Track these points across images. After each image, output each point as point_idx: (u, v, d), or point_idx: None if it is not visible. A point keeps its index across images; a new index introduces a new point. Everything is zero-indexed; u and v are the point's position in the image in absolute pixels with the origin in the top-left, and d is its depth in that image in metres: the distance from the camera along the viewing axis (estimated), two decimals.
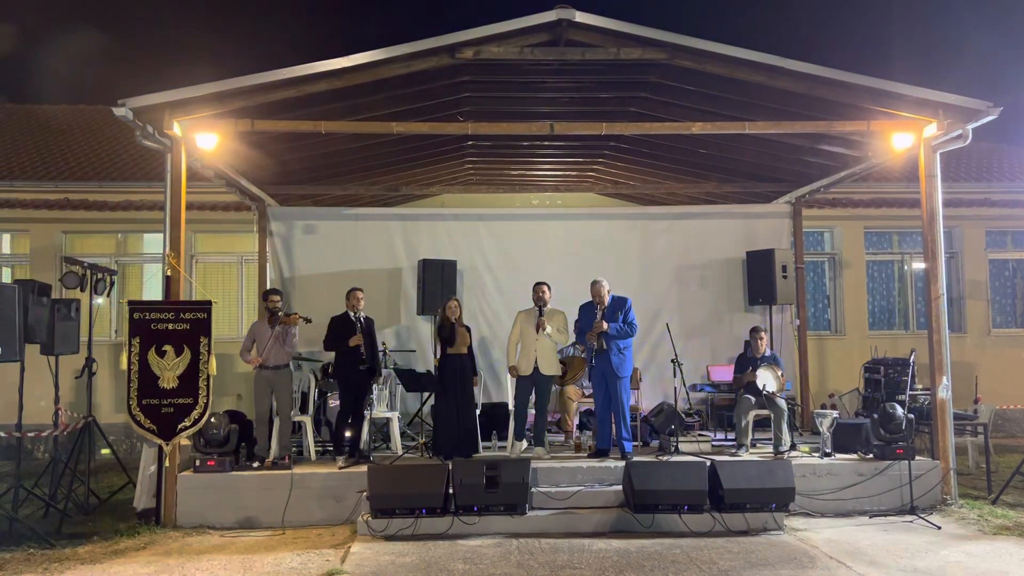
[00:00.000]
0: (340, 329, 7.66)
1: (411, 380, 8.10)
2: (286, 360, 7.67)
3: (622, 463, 7.00)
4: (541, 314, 7.79)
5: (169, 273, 7.11)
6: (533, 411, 7.91)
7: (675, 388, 8.01)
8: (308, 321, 7.78)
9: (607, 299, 7.73)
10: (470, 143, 9.90)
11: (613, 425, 7.64)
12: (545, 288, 7.91)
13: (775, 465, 6.86)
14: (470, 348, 7.97)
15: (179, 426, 6.86)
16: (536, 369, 7.74)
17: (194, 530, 6.68)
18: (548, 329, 7.72)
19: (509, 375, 8.08)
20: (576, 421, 8.57)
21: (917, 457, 7.36)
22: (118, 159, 12.70)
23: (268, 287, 9.63)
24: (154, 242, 11.88)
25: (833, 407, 9.66)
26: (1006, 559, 5.70)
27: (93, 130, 14.28)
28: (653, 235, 10.59)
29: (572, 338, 8.29)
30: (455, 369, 7.77)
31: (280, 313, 7.68)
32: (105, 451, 7.01)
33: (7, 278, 11.66)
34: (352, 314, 7.75)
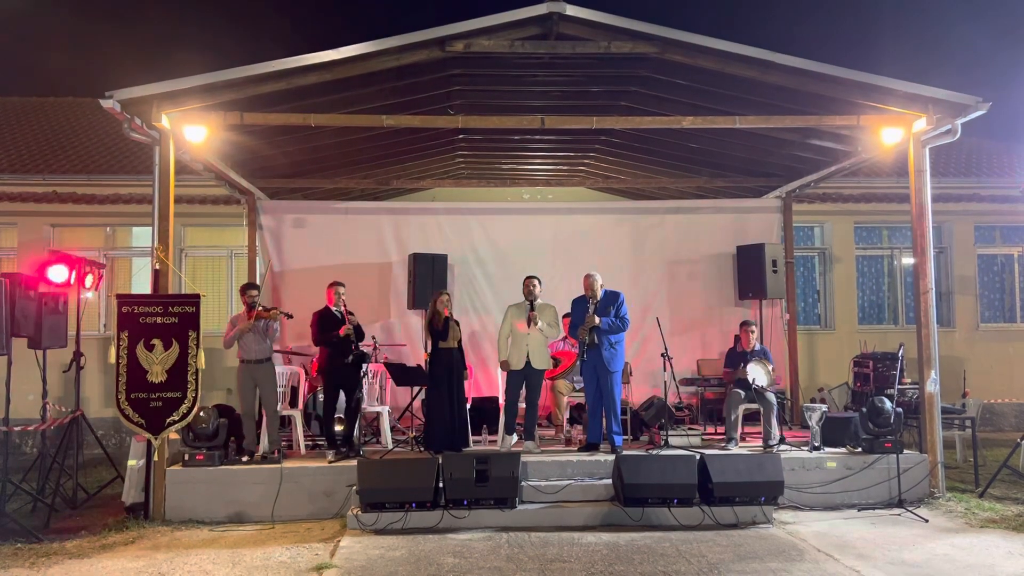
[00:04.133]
0: (325, 323, 7.64)
1: (401, 374, 8.08)
2: (268, 354, 7.63)
3: (612, 457, 7.01)
4: (532, 308, 7.78)
5: (158, 267, 7.08)
6: (523, 405, 7.91)
7: (665, 382, 8.02)
8: (289, 316, 7.75)
9: (599, 293, 7.73)
10: (461, 137, 9.88)
11: (604, 419, 7.65)
12: (535, 282, 7.90)
13: (764, 459, 6.90)
14: (460, 342, 7.96)
15: (168, 420, 6.83)
16: (527, 363, 7.73)
17: (183, 524, 6.66)
18: (539, 323, 7.71)
19: (500, 369, 8.07)
20: (566, 415, 8.57)
21: (905, 451, 7.43)
22: (107, 152, 12.62)
23: (251, 281, 9.56)
24: (143, 236, 11.82)
25: (822, 401, 9.70)
26: (992, 552, 5.74)
27: (81, 123, 14.18)
28: (644, 229, 10.60)
29: (562, 332, 8.29)
30: (446, 363, 7.75)
31: (259, 307, 7.64)
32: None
33: None
34: (335, 308, 7.73)
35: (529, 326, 7.71)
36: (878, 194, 12.32)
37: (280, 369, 8.08)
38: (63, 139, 13.31)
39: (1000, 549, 5.80)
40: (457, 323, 7.98)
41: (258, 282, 9.79)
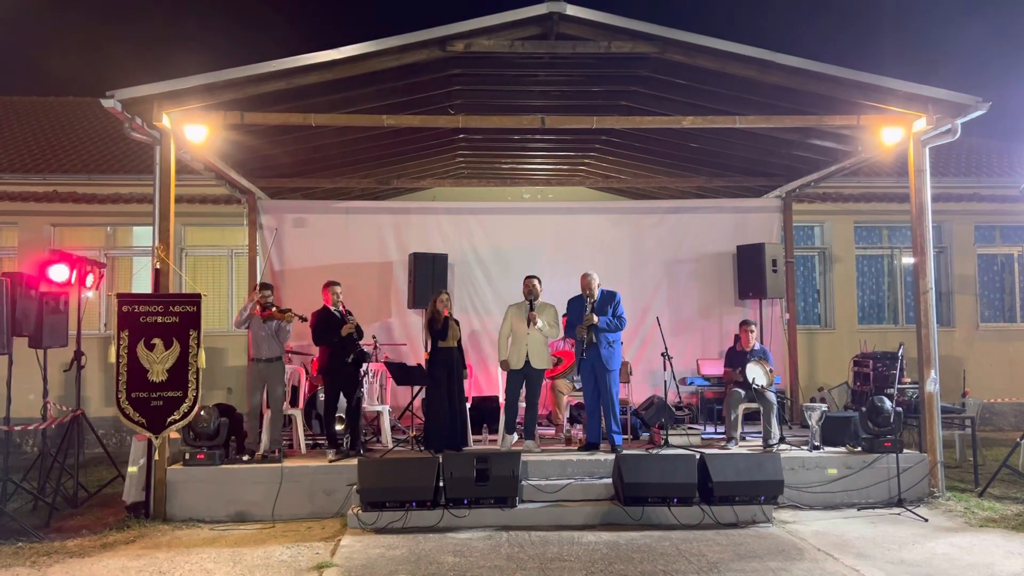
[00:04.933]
0: (325, 323, 7.65)
1: (402, 374, 8.09)
2: (279, 353, 7.65)
3: (612, 456, 7.02)
4: (532, 308, 7.78)
5: (158, 266, 7.08)
6: (523, 404, 7.92)
7: (665, 381, 8.03)
8: (303, 320, 7.76)
9: (597, 292, 7.74)
10: (461, 136, 9.89)
11: (603, 418, 7.66)
12: (535, 282, 7.91)
13: (764, 458, 6.90)
14: (460, 342, 7.97)
15: (168, 419, 6.83)
16: (527, 363, 7.73)
17: (184, 523, 6.67)
18: (539, 323, 7.72)
19: (500, 369, 8.07)
20: (566, 415, 8.58)
21: (905, 450, 7.43)
22: (107, 152, 12.62)
23: (261, 280, 9.59)
24: (143, 235, 11.82)
25: (822, 400, 9.71)
26: (992, 551, 5.75)
27: (82, 122, 14.19)
28: (644, 229, 10.61)
29: (562, 332, 8.30)
30: (446, 363, 7.75)
31: (274, 308, 7.66)
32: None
33: None
34: (333, 308, 7.74)
35: (529, 326, 7.71)
36: (878, 194, 12.32)
37: None
38: (64, 139, 13.31)
39: (1000, 548, 5.81)
40: (457, 322, 7.99)
41: (259, 280, 9.81)
